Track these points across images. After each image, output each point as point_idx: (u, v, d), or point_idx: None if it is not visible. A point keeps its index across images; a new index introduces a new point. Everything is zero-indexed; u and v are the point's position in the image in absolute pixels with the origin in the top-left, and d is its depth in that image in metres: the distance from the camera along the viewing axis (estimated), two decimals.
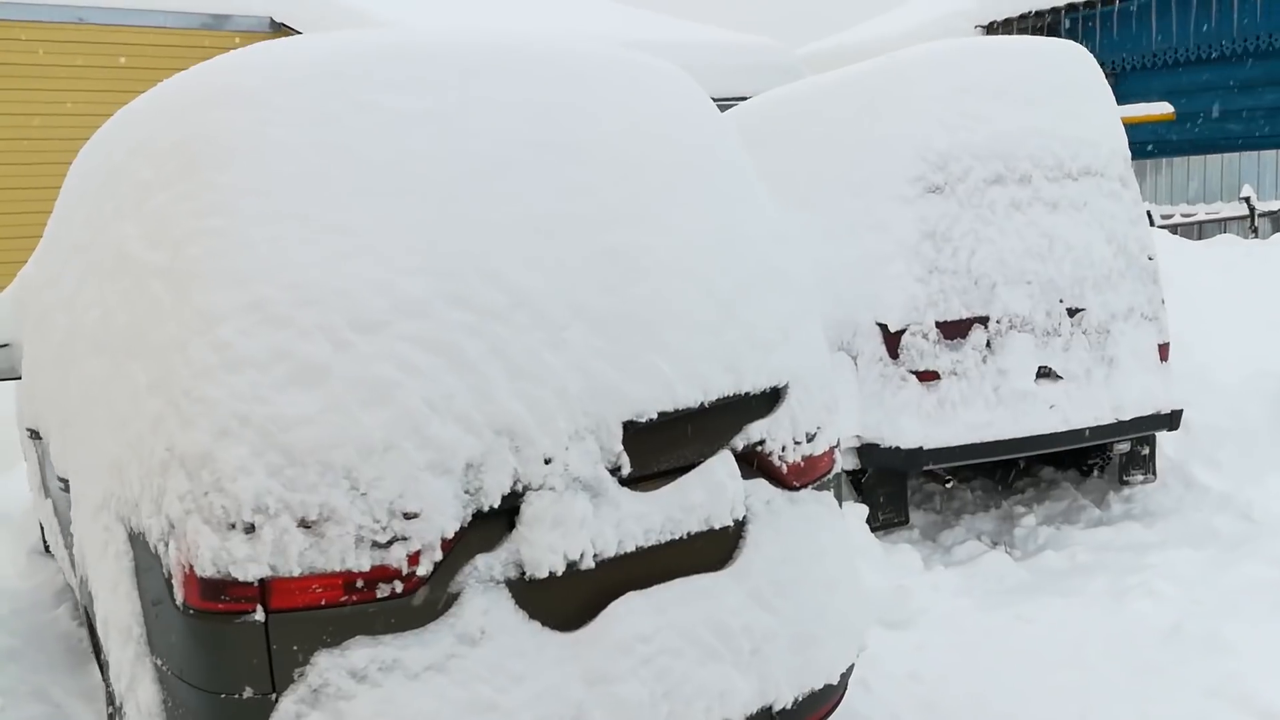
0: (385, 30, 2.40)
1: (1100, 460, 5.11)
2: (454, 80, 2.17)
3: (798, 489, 2.47)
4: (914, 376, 4.18)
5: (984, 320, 4.25)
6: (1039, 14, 9.29)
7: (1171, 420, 4.65)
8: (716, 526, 2.23)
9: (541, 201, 2.11)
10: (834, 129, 4.71)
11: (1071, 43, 4.71)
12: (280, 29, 10.95)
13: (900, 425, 4.18)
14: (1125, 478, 4.88)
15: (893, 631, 3.54)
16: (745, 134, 5.58)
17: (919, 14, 11.38)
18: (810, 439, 2.49)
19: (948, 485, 4.57)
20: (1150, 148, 9.16)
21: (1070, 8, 9.04)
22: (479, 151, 2.10)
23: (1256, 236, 7.41)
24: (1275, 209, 7.50)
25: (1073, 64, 4.60)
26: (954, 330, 4.22)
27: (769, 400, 2.40)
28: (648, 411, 2.10)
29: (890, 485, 4.40)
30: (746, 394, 2.31)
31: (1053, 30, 9.65)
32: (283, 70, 2.06)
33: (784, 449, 2.41)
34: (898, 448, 4.17)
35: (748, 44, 10.18)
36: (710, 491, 2.22)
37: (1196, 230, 7.78)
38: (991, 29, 9.86)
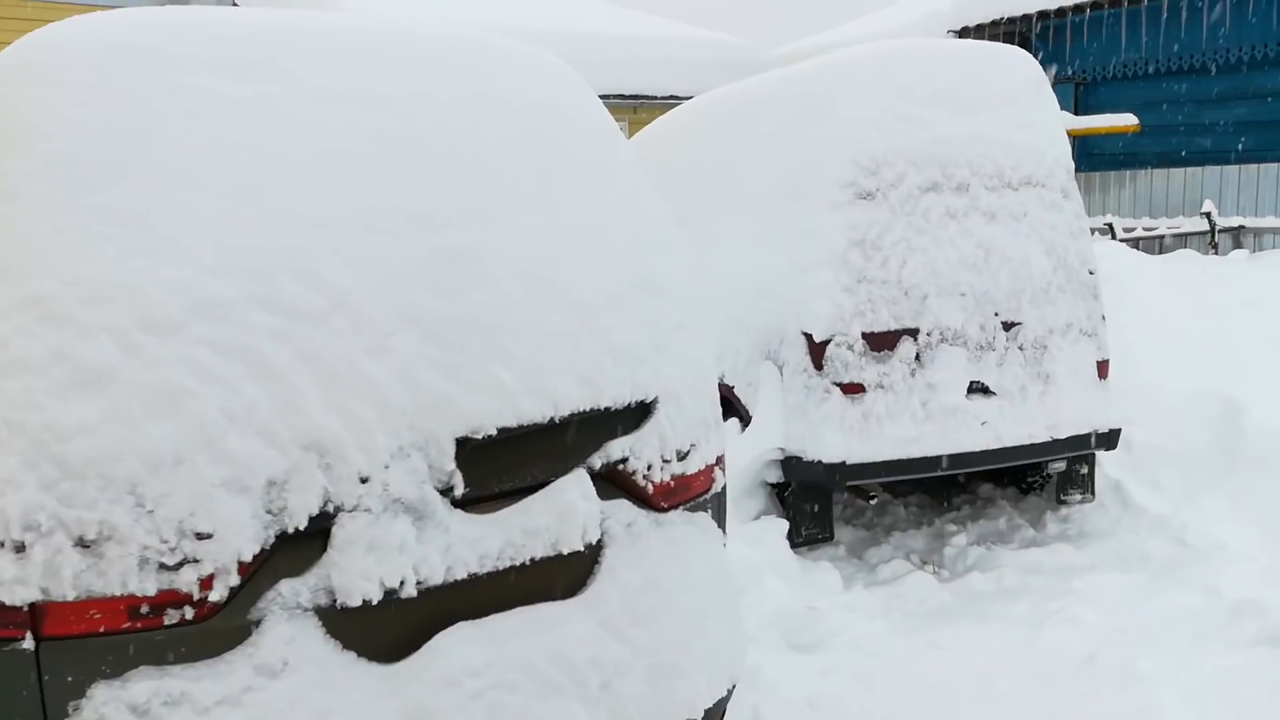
0: (227, 8, 2.23)
1: (1039, 478, 4.99)
2: (288, 64, 2.01)
3: (666, 510, 2.32)
4: (838, 389, 4.04)
5: (914, 332, 4.11)
6: (1010, 20, 9.17)
7: (1109, 439, 4.52)
8: (566, 551, 2.07)
9: (374, 197, 1.95)
10: (772, 130, 4.56)
11: (1017, 48, 4.57)
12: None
13: (823, 438, 4.04)
14: (1063, 497, 4.76)
15: (798, 655, 3.40)
16: (685, 133, 5.44)
17: (897, 17, 11.28)
18: (682, 457, 2.34)
19: (872, 501, 4.43)
20: (1121, 158, 9.06)
21: (1042, 15, 8.91)
22: (308, 142, 1.94)
23: (1216, 252, 7.30)
24: (1235, 225, 7.39)
25: (1018, 70, 4.46)
26: (881, 342, 4.07)
27: (635, 416, 2.25)
28: (485, 427, 1.95)
29: (814, 500, 4.26)
30: (607, 409, 2.16)
31: (1024, 37, 9.53)
32: (90, 46, 1.89)
33: (650, 468, 2.26)
34: (819, 461, 4.03)
35: (713, 40, 10.03)
36: (559, 514, 2.06)
37: (1158, 244, 7.67)
38: (964, 34, 9.73)
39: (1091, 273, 4.51)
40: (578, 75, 2.57)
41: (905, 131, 4.16)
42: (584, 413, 2.11)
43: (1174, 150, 8.64)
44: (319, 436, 1.78)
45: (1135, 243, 7.70)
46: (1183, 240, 7.65)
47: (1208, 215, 7.21)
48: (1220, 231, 7.36)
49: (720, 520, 2.56)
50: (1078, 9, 8.60)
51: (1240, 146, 8.23)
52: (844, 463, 4.02)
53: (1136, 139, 8.85)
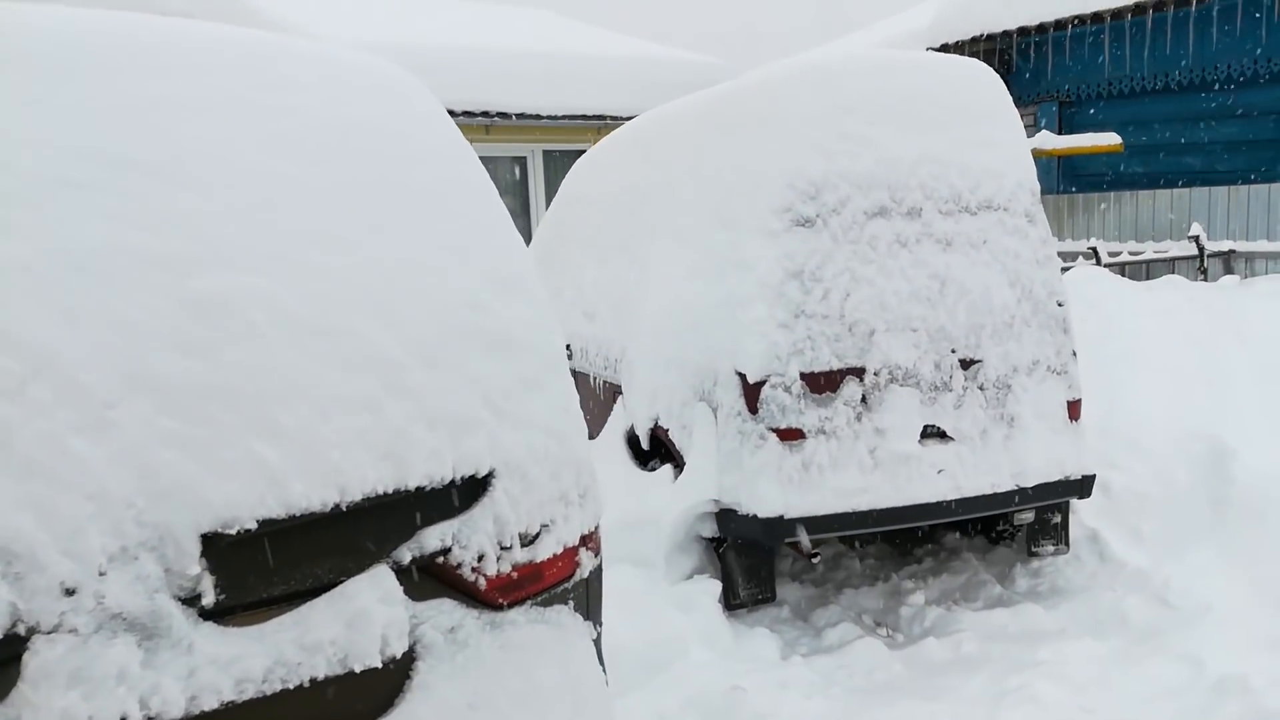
0: None
1: (1009, 528, 4.57)
2: (7, 74, 1.64)
3: (506, 608, 1.92)
4: (774, 434, 3.64)
5: (859, 372, 3.71)
6: (990, 37, 8.81)
7: (1082, 487, 4.11)
8: (359, 669, 1.68)
9: (102, 234, 1.56)
10: (708, 150, 4.19)
11: (976, 61, 4.20)
12: None
13: (757, 490, 3.63)
14: (1034, 548, 4.34)
15: None
16: (625, 153, 5.08)
17: (878, 34, 10.96)
18: (529, 541, 1.95)
19: (814, 560, 4.02)
20: (1107, 179, 8.68)
21: (1023, 31, 8.56)
22: (21, 167, 1.56)
23: (1205, 278, 6.90)
24: (1225, 250, 7.00)
25: (976, 84, 4.09)
26: (823, 383, 3.68)
27: (461, 496, 1.85)
28: (241, 519, 1.55)
29: (752, 557, 3.85)
30: (418, 490, 1.77)
31: (1005, 54, 9.18)
32: None
33: (482, 559, 1.87)
34: (754, 515, 3.63)
35: (688, 60, 9.72)
36: (348, 623, 1.67)
37: (1144, 270, 7.28)
38: (943, 51, 9.38)
39: (1060, 304, 4.12)
40: (423, 91, 2.21)
41: (849, 152, 3.79)
42: (384, 496, 1.72)
43: (1161, 171, 8.27)
44: (4, 540, 1.39)
45: (1121, 268, 7.31)
46: (1170, 265, 7.25)
47: (1196, 239, 6.82)
48: (1209, 256, 6.96)
49: (590, 611, 2.16)
50: (1060, 25, 8.24)
51: (1230, 167, 7.85)
52: (781, 517, 3.61)
53: (1123, 159, 8.48)
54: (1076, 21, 8.10)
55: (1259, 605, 3.81)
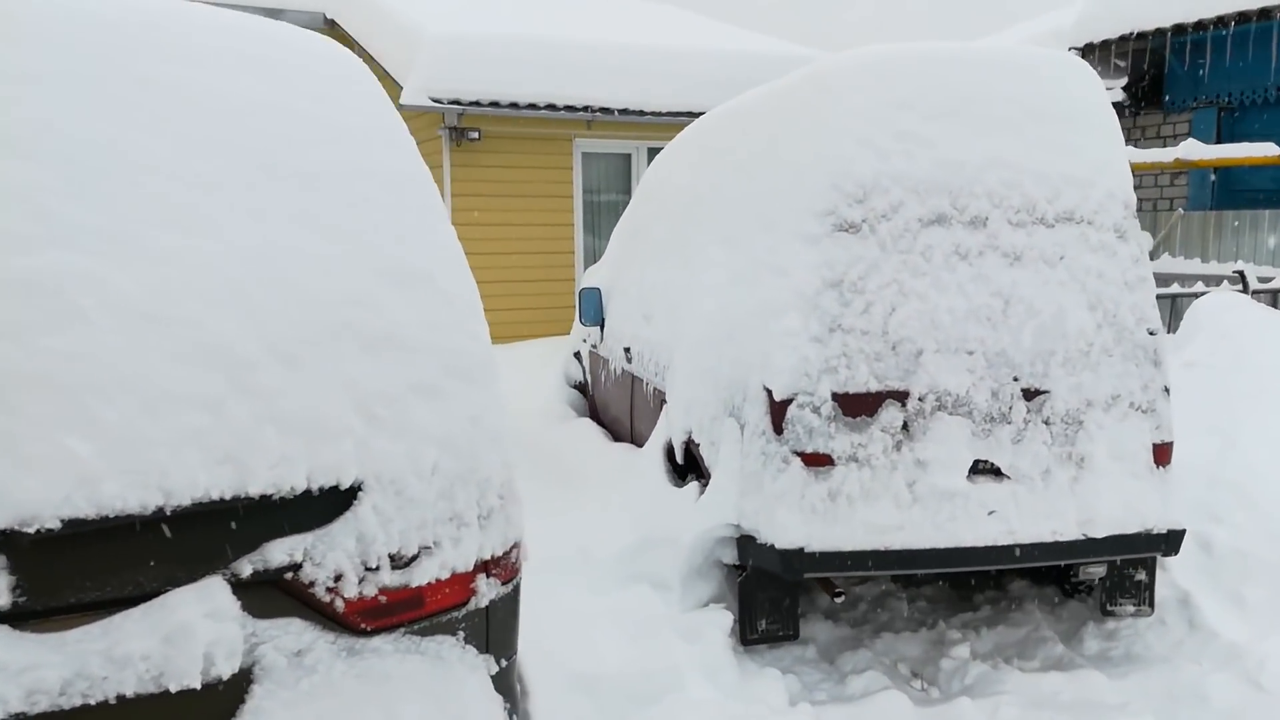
0: None
1: (1087, 581, 4.07)
2: None
3: (369, 634, 1.75)
4: (799, 458, 3.33)
5: (901, 395, 3.36)
6: (1141, 35, 8.03)
7: (1167, 542, 3.60)
8: (176, 689, 1.54)
9: None
10: (757, 149, 3.91)
11: (1067, 55, 3.74)
12: (333, 26, 10.82)
13: (777, 518, 3.34)
14: (1110, 607, 3.84)
15: None
16: (688, 153, 4.85)
17: (1014, 37, 10.24)
18: (404, 563, 1.78)
19: (838, 600, 3.66)
20: (1272, 197, 7.77)
21: (1179, 29, 7.76)
22: None
23: None
24: None
25: (1062, 81, 3.64)
26: (858, 405, 3.35)
27: (320, 507, 1.69)
28: (42, 518, 1.44)
29: (774, 589, 3.55)
30: (263, 498, 1.62)
31: (1158, 55, 8.36)
32: None
33: (340, 578, 1.70)
34: (772, 545, 3.33)
35: (799, 56, 9.32)
36: (167, 637, 1.53)
37: None
38: (1088, 51, 8.64)
39: (1152, 333, 3.62)
40: (354, 72, 2.07)
41: (905, 152, 3.43)
42: (220, 502, 1.57)
43: None
44: None
45: (1273, 296, 6.50)
46: None
47: None
48: None
49: (493, 644, 1.96)
50: (1221, 22, 7.41)
51: None
52: (802, 550, 3.30)
53: None
54: (1239, 18, 7.27)
55: None
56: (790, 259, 3.44)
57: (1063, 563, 3.55)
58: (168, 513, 1.53)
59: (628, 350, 5.21)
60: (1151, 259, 7.73)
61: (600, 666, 3.14)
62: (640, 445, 4.80)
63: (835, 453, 3.34)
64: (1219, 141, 8.12)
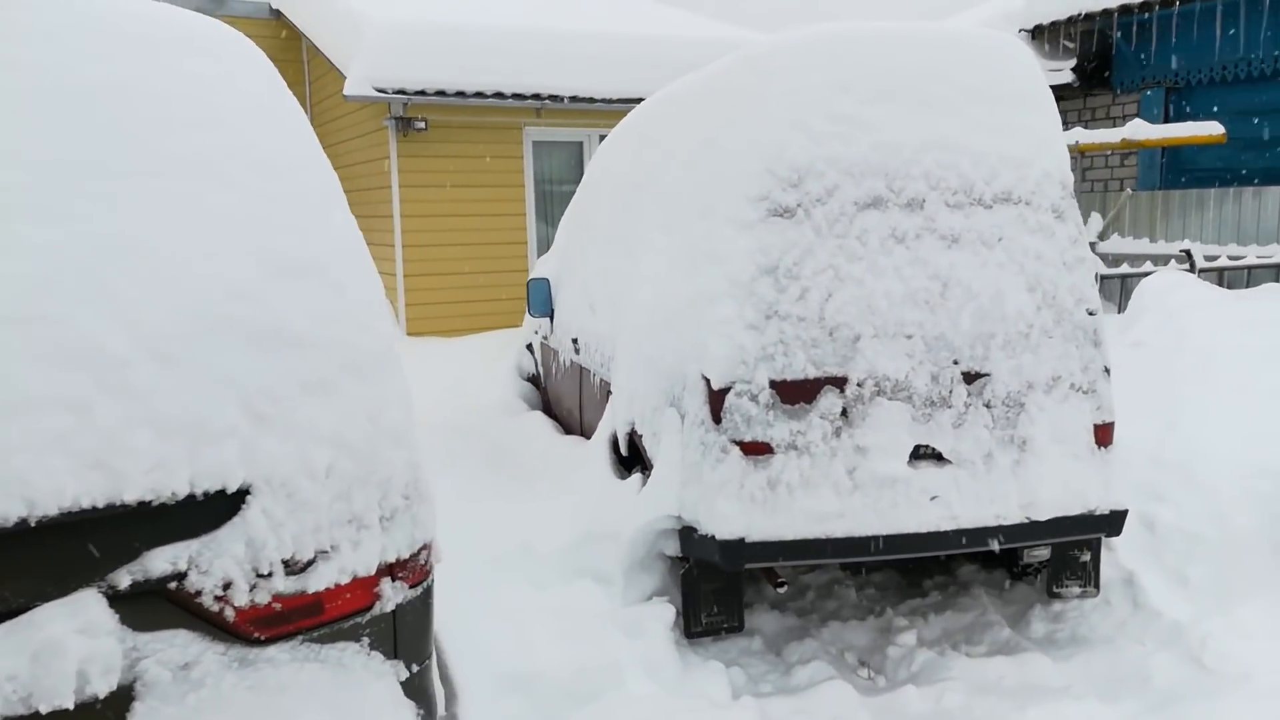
0: None
1: (1035, 563, 4.06)
2: None
3: (263, 643, 1.67)
4: (737, 448, 3.28)
5: (839, 382, 3.31)
6: (1089, 16, 8.04)
7: (1110, 523, 3.59)
8: (47, 710, 1.45)
9: None
10: (693, 133, 3.84)
11: (1004, 35, 3.71)
12: (279, 17, 10.61)
13: (716, 508, 3.28)
14: (1056, 589, 3.84)
15: None
16: (630, 137, 4.77)
17: (973, 19, 10.24)
18: (300, 569, 1.70)
19: (780, 590, 3.62)
20: (1220, 177, 7.84)
21: (1125, 9, 7.78)
22: None
23: None
24: None
25: (999, 61, 3.61)
26: (796, 392, 3.30)
27: (205, 513, 1.61)
28: None
29: (717, 581, 3.50)
30: (142, 505, 1.53)
31: (1105, 35, 8.40)
32: None
33: (229, 586, 1.62)
34: (712, 536, 3.28)
35: (755, 41, 9.27)
36: (35, 656, 1.45)
37: (1245, 276, 6.49)
38: (1037, 32, 8.66)
39: (1092, 313, 3.60)
40: (242, 51, 1.97)
41: (841, 134, 3.37)
42: (91, 511, 1.49)
43: (1276, 166, 7.38)
44: None
45: (1219, 274, 6.54)
46: (1276, 273, 6.44)
47: None
48: None
49: (401, 649, 1.89)
50: (1167, 2, 7.45)
51: None
52: (743, 540, 3.25)
53: (1238, 153, 7.63)
54: None
55: None
56: (725, 246, 3.37)
57: (1005, 547, 3.53)
58: (32, 524, 1.44)
59: (575, 341, 5.13)
60: (1101, 239, 7.77)
61: (537, 664, 3.07)
62: (590, 438, 4.74)
63: (774, 441, 3.29)
64: (1167, 121, 8.17)
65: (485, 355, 7.56)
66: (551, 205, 8.97)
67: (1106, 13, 7.90)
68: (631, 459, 4.07)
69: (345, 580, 1.76)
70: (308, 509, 1.70)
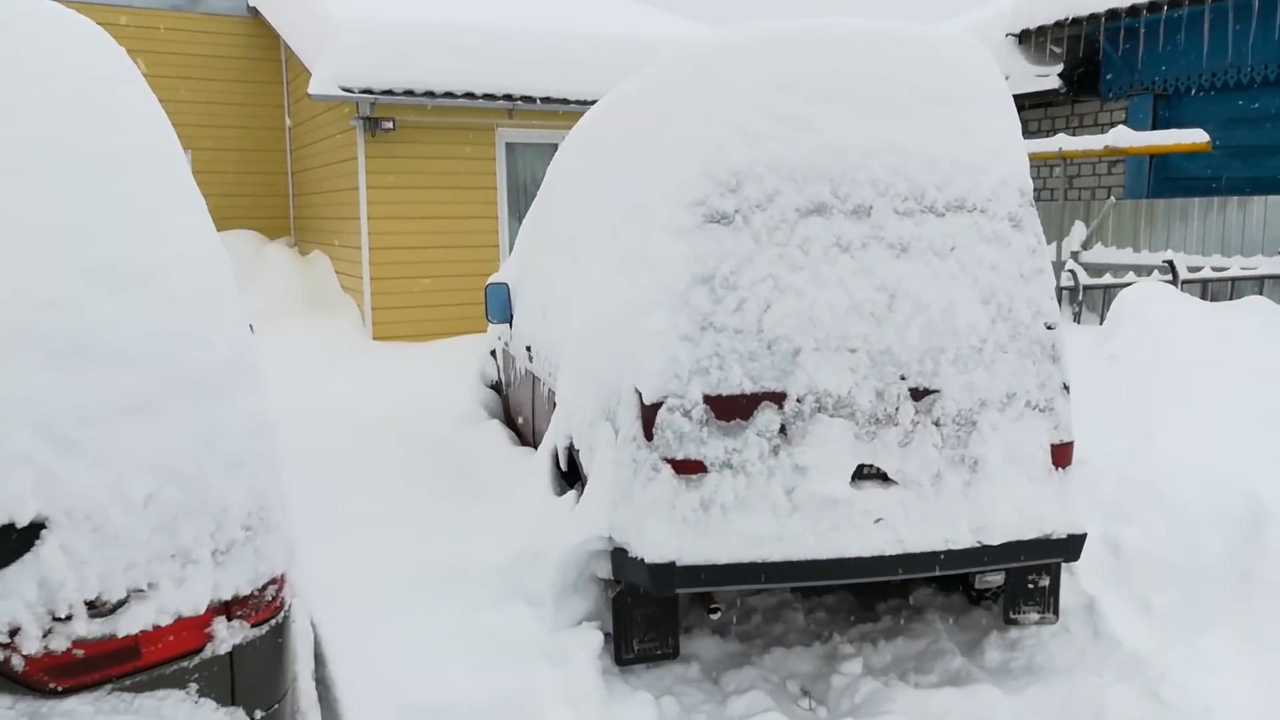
0: None
1: (993, 588, 3.88)
2: None
3: (61, 694, 1.50)
4: (669, 466, 3.11)
5: (778, 397, 3.14)
6: (1076, 21, 7.87)
7: (1067, 548, 3.42)
8: None
9: None
10: (636, 137, 3.68)
11: (962, 35, 3.54)
12: (256, 15, 10.46)
13: (646, 530, 3.11)
14: (1013, 615, 3.66)
15: None
16: (580, 140, 4.62)
17: (961, 22, 10.08)
18: (109, 610, 1.53)
19: (714, 616, 3.45)
20: (1207, 186, 7.66)
21: (1112, 14, 7.61)
22: None
23: None
24: None
25: (955, 63, 3.44)
26: (732, 408, 3.13)
27: None
28: None
29: (650, 605, 3.32)
30: None
31: (1093, 41, 8.23)
32: None
33: (18, 632, 1.45)
34: (642, 560, 3.11)
35: None
36: None
37: (1229, 289, 6.31)
38: (1024, 37, 8.49)
39: (1050, 327, 3.43)
40: (81, 37, 1.80)
41: (783, 137, 3.20)
42: None
43: (1271, 176, 7.20)
44: None
45: (1203, 286, 6.37)
46: (1259, 285, 6.26)
47: None
48: None
49: (240, 695, 1.72)
50: (1154, 7, 7.27)
51: None
52: (673, 564, 3.08)
53: (1226, 162, 7.46)
54: (1171, 3, 7.13)
55: (1272, 711, 3.05)
56: (659, 252, 3.21)
57: (955, 572, 3.36)
58: None
59: (529, 349, 4.97)
60: (1085, 249, 7.59)
61: (449, 695, 2.90)
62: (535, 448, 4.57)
63: (708, 459, 3.12)
64: (1155, 128, 8.00)
65: (451, 361, 7.40)
66: (525, 208, 8.80)
67: (1094, 18, 7.73)
68: (572, 475, 3.90)
69: (166, 621, 1.59)
70: (119, 544, 1.53)
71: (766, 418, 3.14)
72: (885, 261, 3.26)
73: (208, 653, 1.66)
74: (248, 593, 1.72)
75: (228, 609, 1.69)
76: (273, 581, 1.78)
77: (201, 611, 1.64)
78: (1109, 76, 8.24)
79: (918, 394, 3.26)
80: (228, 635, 1.69)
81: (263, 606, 1.75)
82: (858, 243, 3.24)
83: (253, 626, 1.73)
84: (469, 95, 8.03)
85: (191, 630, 1.63)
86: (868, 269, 3.24)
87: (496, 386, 6.46)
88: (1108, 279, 6.62)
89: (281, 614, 1.82)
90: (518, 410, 5.64)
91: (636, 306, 3.25)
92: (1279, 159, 7.19)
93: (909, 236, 3.29)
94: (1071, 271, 6.55)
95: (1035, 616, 3.68)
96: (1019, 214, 3.43)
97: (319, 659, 2.67)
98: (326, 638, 2.93)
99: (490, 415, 6.18)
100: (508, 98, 8.20)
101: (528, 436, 5.24)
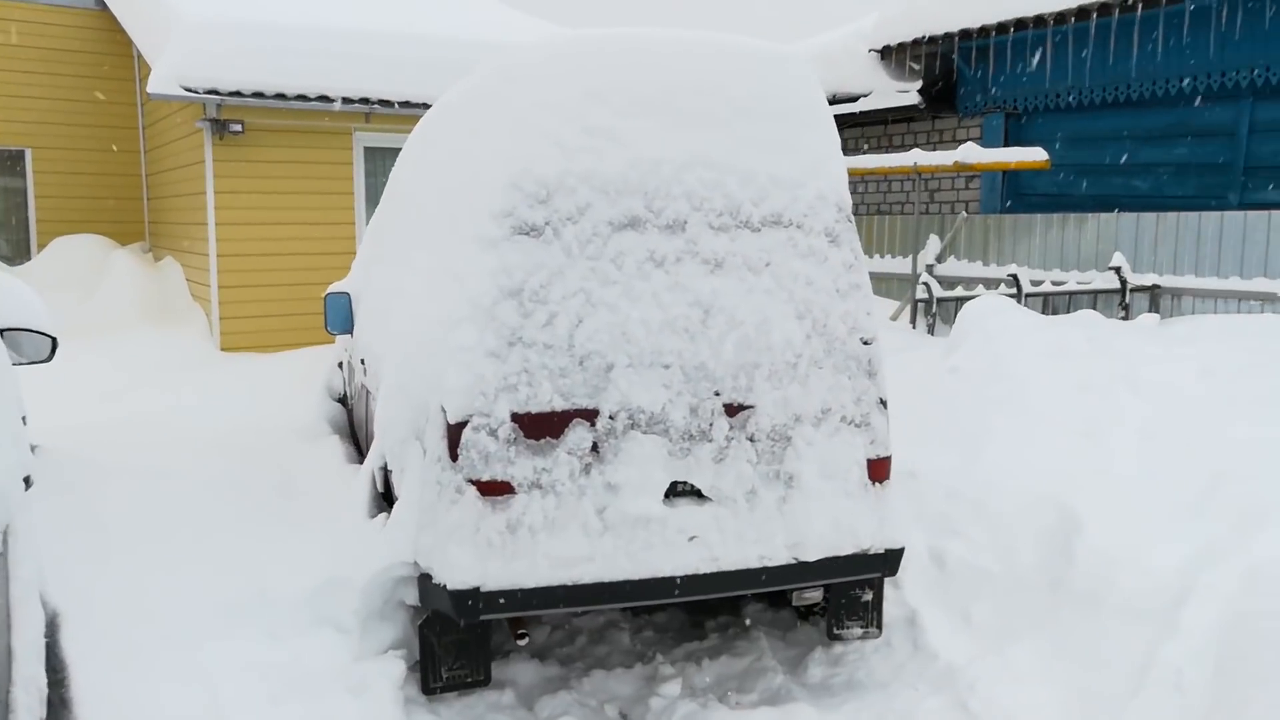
0: None
1: (809, 605, 3.88)
2: None
3: None
4: (474, 487, 2.99)
5: (590, 414, 3.06)
6: (933, 39, 8.10)
7: (885, 563, 3.44)
8: None
9: None
10: (450, 145, 3.56)
11: (781, 47, 3.53)
12: (104, 9, 9.93)
13: (449, 555, 2.98)
14: (837, 630, 3.67)
15: None
16: (411, 147, 4.47)
17: (828, 37, 10.27)
18: None
19: (521, 642, 3.36)
20: (1057, 200, 7.97)
21: (964, 34, 7.85)
22: None
23: (1127, 315, 6.18)
24: (1149, 284, 6.26)
25: (774, 75, 3.43)
26: (541, 426, 3.03)
27: None
28: None
29: (458, 631, 3.20)
30: None
31: (948, 60, 8.48)
32: None
33: None
34: (444, 586, 2.98)
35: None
36: None
37: (1068, 302, 6.56)
38: (885, 54, 8.69)
39: (866, 342, 3.44)
40: None
41: (595, 149, 3.13)
42: None
43: (1110, 194, 7.54)
44: None
45: (1044, 299, 6.60)
46: (1093, 299, 6.52)
47: (1118, 270, 6.10)
48: (1133, 290, 6.24)
49: None
50: (1002, 29, 7.53)
51: (1181, 192, 7.11)
52: (477, 589, 2.96)
53: (1073, 180, 7.77)
54: (1017, 25, 7.40)
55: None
56: (467, 265, 3.09)
57: (772, 590, 3.33)
58: None
59: (363, 361, 4.78)
60: (939, 262, 7.79)
61: None
62: None
63: (515, 479, 3.01)
64: (1007, 145, 8.28)
65: (299, 373, 7.11)
66: None
67: (949, 37, 7.96)
68: (390, 496, 3.74)
69: None
70: None
71: (578, 435, 3.06)
72: (700, 277, 3.22)
73: None
74: None
75: None
76: None
77: None
78: (964, 94, 8.50)
79: (732, 410, 3.22)
80: None
81: None
82: (672, 257, 3.19)
83: None
84: (324, 98, 7.76)
85: None
86: (682, 284, 3.19)
87: (344, 400, 6.22)
88: (959, 291, 6.79)
89: None
90: (360, 425, 5.44)
91: (444, 321, 3.13)
92: (1121, 178, 7.52)
93: (724, 251, 3.25)
94: (926, 284, 6.70)
95: (859, 631, 3.69)
96: (836, 229, 3.44)
97: (63, 704, 2.46)
98: (89, 680, 2.72)
99: (334, 430, 5.93)
100: (365, 101, 7.95)
101: (366, 453, 5.04)
